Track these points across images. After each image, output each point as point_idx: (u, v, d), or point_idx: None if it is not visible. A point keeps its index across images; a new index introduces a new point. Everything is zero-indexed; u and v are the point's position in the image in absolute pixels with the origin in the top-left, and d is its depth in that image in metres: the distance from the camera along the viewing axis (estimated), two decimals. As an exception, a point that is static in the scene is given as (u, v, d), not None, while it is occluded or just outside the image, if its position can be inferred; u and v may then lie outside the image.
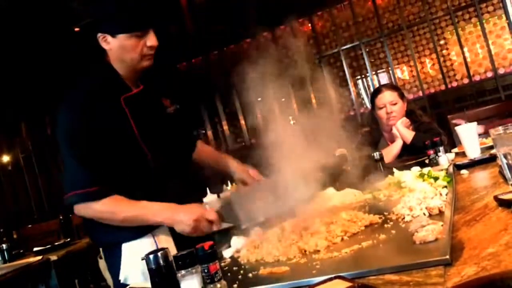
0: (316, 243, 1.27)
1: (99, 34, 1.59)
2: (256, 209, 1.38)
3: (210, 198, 2.83)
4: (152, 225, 1.57)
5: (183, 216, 1.50)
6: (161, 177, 1.66)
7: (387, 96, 2.93)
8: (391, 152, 2.83)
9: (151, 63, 1.65)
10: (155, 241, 1.61)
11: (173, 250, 1.60)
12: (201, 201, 1.79)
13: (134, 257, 1.60)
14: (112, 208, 1.53)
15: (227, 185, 2.49)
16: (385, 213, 1.44)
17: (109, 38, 1.58)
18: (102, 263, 1.76)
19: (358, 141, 2.96)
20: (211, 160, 1.97)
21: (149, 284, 1.01)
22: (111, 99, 1.61)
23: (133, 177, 1.61)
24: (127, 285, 1.58)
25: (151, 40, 1.59)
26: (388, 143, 2.97)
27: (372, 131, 3.04)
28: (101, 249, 1.76)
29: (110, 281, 1.71)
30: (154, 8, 1.63)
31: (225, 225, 1.49)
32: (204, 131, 6.41)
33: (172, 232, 1.63)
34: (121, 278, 1.61)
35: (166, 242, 1.62)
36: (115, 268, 1.63)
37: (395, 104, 2.91)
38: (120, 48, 1.58)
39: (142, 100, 1.69)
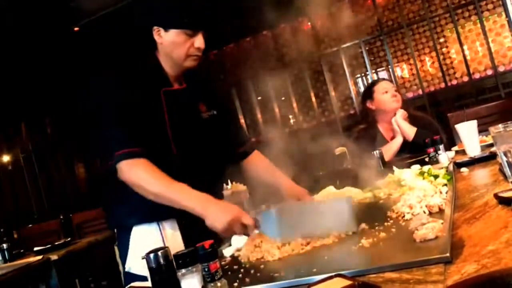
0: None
1: (154, 27, 1.65)
2: (296, 226, 1.33)
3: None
4: (182, 209, 1.52)
5: (218, 212, 1.45)
6: (183, 176, 1.61)
7: (388, 83, 2.97)
8: (390, 149, 2.79)
9: (195, 64, 1.70)
10: (161, 232, 1.64)
11: (180, 245, 1.63)
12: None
13: (140, 245, 1.64)
14: (152, 177, 1.53)
15: (227, 183, 2.49)
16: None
17: (162, 31, 1.64)
18: (117, 251, 1.79)
19: (354, 138, 2.96)
20: (265, 174, 1.89)
21: (149, 283, 1.01)
22: (150, 88, 1.65)
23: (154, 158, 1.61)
24: (133, 274, 1.60)
25: (199, 41, 1.65)
26: (386, 139, 2.94)
27: (368, 127, 3.00)
28: (116, 234, 1.80)
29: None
30: (208, 12, 1.71)
31: (257, 233, 1.44)
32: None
33: (180, 227, 1.66)
34: (127, 266, 1.65)
35: (173, 236, 1.65)
36: (124, 255, 1.68)
37: (396, 91, 2.93)
38: (170, 43, 1.64)
39: (181, 98, 1.72)
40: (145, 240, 1.63)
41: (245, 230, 1.44)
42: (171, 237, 1.64)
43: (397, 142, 2.81)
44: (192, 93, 1.77)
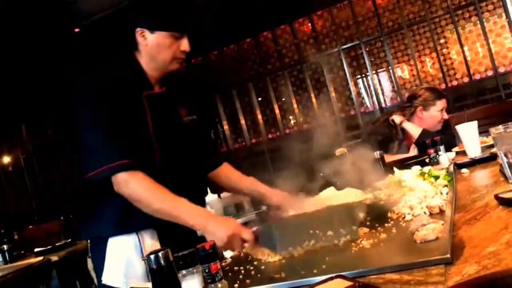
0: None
1: (137, 29, 1.61)
2: (295, 239, 1.34)
3: (211, 198, 2.83)
4: (183, 224, 1.52)
5: (217, 228, 1.45)
6: (167, 180, 1.60)
7: (445, 103, 2.93)
8: (399, 157, 2.75)
9: (179, 67, 1.68)
10: (140, 242, 1.59)
11: None
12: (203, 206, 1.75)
13: (117, 256, 1.59)
14: (152, 193, 1.51)
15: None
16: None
17: (147, 33, 1.61)
18: (90, 263, 1.74)
19: (374, 126, 2.94)
20: (240, 183, 1.90)
21: (150, 284, 1.01)
22: (132, 92, 1.62)
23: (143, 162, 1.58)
24: (109, 286, 1.57)
25: (185, 45, 1.63)
26: (405, 144, 2.89)
27: (395, 125, 2.93)
28: (89, 246, 1.75)
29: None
30: (193, 16, 1.68)
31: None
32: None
33: (159, 235, 1.62)
34: (103, 278, 1.59)
35: (152, 245, 1.60)
36: (99, 267, 1.62)
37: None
38: (155, 45, 1.61)
39: (162, 102, 1.69)
40: (123, 251, 1.59)
41: (244, 245, 1.44)
42: (150, 248, 1.59)
43: (410, 155, 2.73)
44: (172, 96, 1.75)
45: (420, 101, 2.93)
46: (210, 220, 1.49)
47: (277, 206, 1.79)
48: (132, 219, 1.57)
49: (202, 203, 1.82)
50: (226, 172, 1.92)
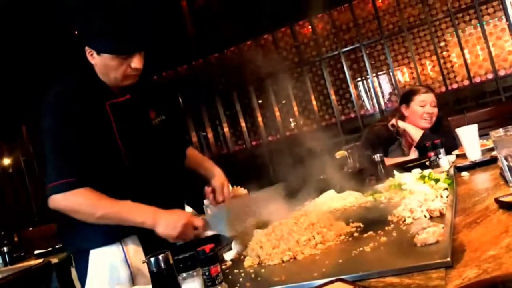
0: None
1: (86, 48, 1.58)
2: (241, 220, 1.45)
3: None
4: (132, 225, 1.52)
5: (169, 220, 1.48)
6: (138, 187, 1.62)
7: (429, 96, 2.87)
8: (398, 160, 2.76)
9: (134, 81, 1.63)
10: (123, 250, 1.58)
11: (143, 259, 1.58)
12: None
13: (101, 265, 1.57)
14: (93, 201, 1.49)
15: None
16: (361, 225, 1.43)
17: (94, 54, 1.57)
18: (74, 272, 1.75)
19: (370, 130, 2.95)
20: (195, 164, 1.95)
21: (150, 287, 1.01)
22: (95, 102, 1.60)
23: (108, 182, 1.56)
24: None
25: (136, 63, 1.56)
26: (404, 148, 2.90)
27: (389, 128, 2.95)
28: (72, 257, 1.74)
29: None
30: (147, 31, 1.59)
31: (209, 233, 1.51)
32: (204, 134, 6.41)
33: (142, 242, 1.61)
34: (87, 286, 1.59)
35: (135, 251, 1.60)
36: (83, 277, 1.61)
37: (434, 106, 2.87)
38: (103, 66, 1.58)
39: (127, 109, 1.67)
40: (106, 259, 1.58)
41: (197, 232, 1.50)
42: (133, 254, 1.59)
43: (410, 158, 2.73)
44: (138, 102, 1.72)
45: (402, 100, 2.99)
46: (160, 215, 1.51)
47: (213, 188, 1.84)
48: (115, 228, 1.55)
49: (182, 204, 1.82)
50: (190, 155, 1.96)
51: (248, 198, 1.71)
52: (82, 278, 1.62)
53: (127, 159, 1.62)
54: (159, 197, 1.60)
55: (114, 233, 1.57)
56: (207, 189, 1.87)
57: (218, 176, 1.88)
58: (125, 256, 1.58)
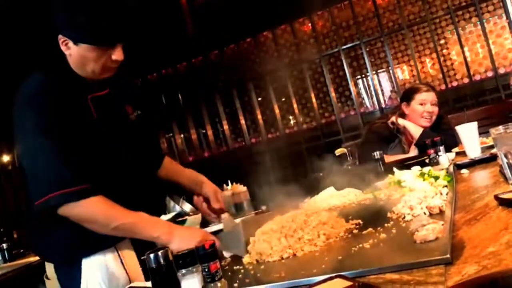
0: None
1: (60, 36, 1.45)
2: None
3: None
4: (144, 239, 1.44)
5: (184, 237, 1.40)
6: (120, 182, 1.55)
7: (430, 96, 2.87)
8: (399, 157, 2.76)
9: (112, 74, 1.54)
10: (119, 255, 1.52)
11: (136, 266, 1.54)
12: (158, 214, 1.72)
13: (96, 274, 1.48)
14: (108, 211, 1.41)
15: (227, 184, 2.49)
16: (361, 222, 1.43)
17: (70, 43, 1.45)
18: (50, 285, 1.56)
19: (370, 129, 2.95)
20: (174, 173, 1.85)
21: (149, 284, 1.01)
22: (76, 96, 1.50)
23: (99, 178, 1.47)
24: None
25: (117, 54, 1.45)
26: (404, 145, 2.89)
27: (389, 126, 2.95)
28: (51, 267, 1.57)
29: None
30: (128, 22, 1.48)
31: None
32: (204, 131, 6.41)
33: (134, 246, 1.55)
34: None
35: (129, 255, 1.54)
36: (71, 285, 1.49)
37: (435, 105, 2.87)
38: (80, 57, 1.46)
39: (107, 103, 1.60)
40: (102, 268, 1.48)
41: None
42: (128, 257, 1.53)
43: (410, 155, 2.73)
44: (116, 96, 1.65)
45: (403, 98, 3.00)
46: (175, 230, 1.44)
47: (206, 198, 1.77)
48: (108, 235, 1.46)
49: (159, 207, 1.78)
50: (168, 165, 1.86)
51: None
52: (70, 286, 1.50)
53: (112, 155, 1.55)
54: (140, 196, 1.56)
55: (108, 238, 1.46)
56: (198, 199, 1.78)
57: (207, 184, 1.78)
58: (122, 261, 1.51)
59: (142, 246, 1.43)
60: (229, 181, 2.51)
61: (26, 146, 1.45)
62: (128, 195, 1.51)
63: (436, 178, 1.69)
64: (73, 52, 1.46)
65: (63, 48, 1.47)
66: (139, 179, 1.63)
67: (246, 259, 1.35)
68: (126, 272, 1.52)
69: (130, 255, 1.55)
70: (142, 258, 1.48)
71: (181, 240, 1.39)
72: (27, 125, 1.46)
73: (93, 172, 1.43)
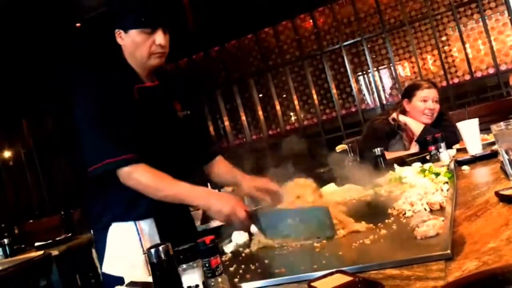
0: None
1: (116, 30, 1.67)
2: (278, 229, 1.40)
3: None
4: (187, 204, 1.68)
5: (218, 205, 1.52)
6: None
7: (432, 92, 2.87)
8: (400, 154, 2.75)
9: (161, 61, 1.69)
10: (138, 231, 1.64)
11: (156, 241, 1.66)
12: None
13: (117, 245, 1.65)
14: (157, 184, 1.57)
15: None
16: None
17: (122, 34, 1.66)
18: (95, 253, 1.80)
19: (371, 125, 2.95)
20: (226, 175, 1.94)
21: (150, 278, 1.01)
22: (123, 86, 1.66)
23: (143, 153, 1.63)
24: (110, 275, 1.62)
25: (160, 38, 1.64)
26: (405, 141, 2.90)
27: (391, 122, 2.95)
28: (93, 236, 1.81)
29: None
30: (166, 8, 1.69)
31: (253, 229, 1.50)
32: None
33: (157, 225, 1.67)
34: (103, 266, 1.66)
35: (151, 236, 1.65)
36: (101, 256, 1.68)
37: (436, 102, 2.87)
38: (131, 44, 1.65)
39: (155, 95, 1.72)
40: (122, 241, 1.65)
41: (242, 223, 1.50)
42: (148, 237, 1.64)
43: (411, 152, 2.73)
44: (166, 90, 1.78)
45: (404, 94, 3.00)
46: (211, 198, 1.56)
47: (249, 194, 1.82)
48: (132, 208, 1.64)
49: None
50: (217, 166, 1.94)
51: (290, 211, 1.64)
52: (101, 257, 1.68)
53: (154, 144, 1.67)
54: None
55: (129, 213, 1.64)
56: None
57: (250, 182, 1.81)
58: (140, 239, 1.64)
59: (168, 228, 1.63)
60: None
61: (85, 128, 1.62)
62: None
63: (437, 174, 1.69)
64: (126, 41, 1.67)
65: (119, 40, 1.68)
66: (179, 171, 1.69)
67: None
68: (143, 250, 1.60)
69: (151, 236, 1.65)
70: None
71: (215, 210, 1.53)
72: (85, 109, 1.63)
73: (139, 149, 1.59)
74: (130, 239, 1.64)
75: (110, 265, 1.64)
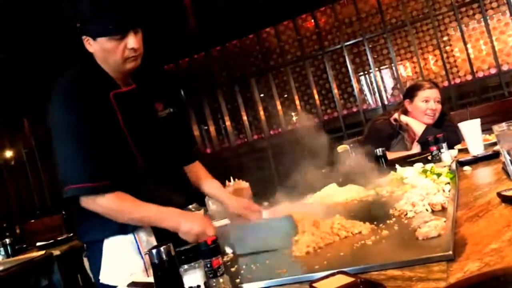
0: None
1: (83, 37, 1.58)
2: (246, 243, 1.42)
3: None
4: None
5: (186, 226, 1.51)
6: (147, 179, 1.63)
7: (434, 93, 2.86)
8: (400, 155, 2.76)
9: (136, 64, 1.61)
10: (136, 240, 1.61)
11: None
12: (184, 206, 1.76)
13: (114, 255, 1.60)
14: (120, 207, 1.53)
15: (229, 180, 2.49)
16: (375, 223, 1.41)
17: (91, 41, 1.57)
18: (87, 262, 1.76)
19: (372, 125, 2.95)
20: (202, 186, 1.90)
21: (151, 279, 1.01)
22: (100, 93, 1.59)
23: (120, 174, 1.57)
24: (107, 285, 1.58)
25: (132, 42, 1.54)
26: (406, 142, 2.90)
27: (392, 123, 2.95)
28: (85, 246, 1.76)
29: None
30: (138, 9, 1.58)
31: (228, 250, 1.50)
32: (206, 127, 6.41)
33: (154, 230, 1.63)
34: (101, 277, 1.61)
35: (148, 242, 1.62)
36: (96, 266, 1.63)
37: (438, 102, 2.86)
38: (102, 51, 1.57)
39: (132, 99, 1.66)
40: (120, 252, 1.60)
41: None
42: (146, 245, 1.61)
43: (412, 152, 2.74)
44: (144, 92, 1.71)
45: (406, 94, 2.99)
46: (179, 219, 1.53)
47: (238, 214, 1.79)
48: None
49: (183, 199, 1.81)
50: (195, 170, 1.91)
51: (253, 224, 1.66)
52: (95, 269, 1.64)
53: (136, 152, 1.62)
54: (164, 190, 1.62)
55: (127, 226, 1.59)
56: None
57: (230, 205, 1.81)
58: (138, 247, 1.60)
59: (164, 234, 1.53)
60: (231, 178, 2.52)
61: (56, 141, 1.56)
62: (149, 188, 1.61)
63: (439, 175, 1.69)
64: (95, 48, 1.58)
65: (88, 47, 1.59)
66: (163, 173, 1.68)
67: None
68: (142, 257, 1.59)
69: (149, 242, 1.62)
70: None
71: (185, 231, 1.50)
72: (58, 122, 1.56)
73: (114, 166, 1.54)
74: (129, 250, 1.60)
75: (108, 276, 1.60)
